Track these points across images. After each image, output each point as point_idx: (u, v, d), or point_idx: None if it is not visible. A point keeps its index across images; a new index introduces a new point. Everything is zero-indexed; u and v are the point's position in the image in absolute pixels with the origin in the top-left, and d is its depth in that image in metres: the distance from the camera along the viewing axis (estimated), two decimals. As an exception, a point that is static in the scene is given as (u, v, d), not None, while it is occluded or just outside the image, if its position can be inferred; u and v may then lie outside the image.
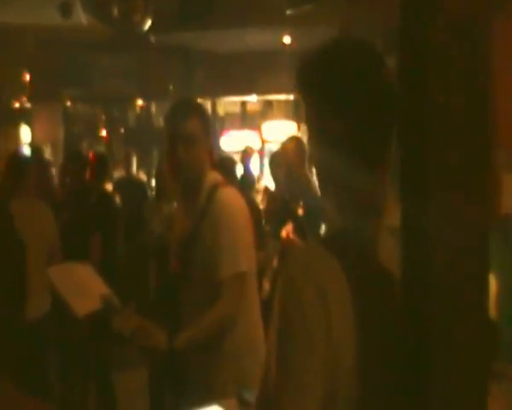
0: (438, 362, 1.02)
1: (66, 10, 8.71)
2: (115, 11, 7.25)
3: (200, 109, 3.16)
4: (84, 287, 3.40)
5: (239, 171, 7.83)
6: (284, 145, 4.92)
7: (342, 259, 1.34)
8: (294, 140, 4.90)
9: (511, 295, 3.61)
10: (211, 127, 3.20)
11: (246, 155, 9.32)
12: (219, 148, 12.30)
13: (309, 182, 4.14)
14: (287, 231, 3.85)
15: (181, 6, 7.97)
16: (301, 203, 4.21)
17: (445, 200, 1.01)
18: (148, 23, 7.49)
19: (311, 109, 1.46)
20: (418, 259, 1.06)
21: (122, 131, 14.39)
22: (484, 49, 1.01)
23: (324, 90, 1.42)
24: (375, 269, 1.37)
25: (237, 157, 9.00)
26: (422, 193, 1.04)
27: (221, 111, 14.81)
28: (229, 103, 14.56)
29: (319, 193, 1.50)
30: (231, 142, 12.98)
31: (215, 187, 3.00)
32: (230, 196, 3.05)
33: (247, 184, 7.28)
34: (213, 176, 3.07)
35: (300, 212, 4.19)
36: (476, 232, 1.02)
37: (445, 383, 1.01)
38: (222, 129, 13.82)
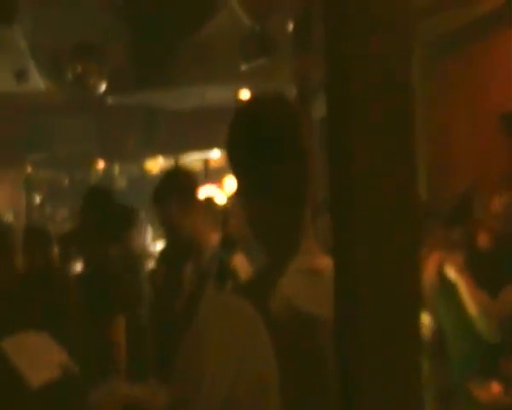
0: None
1: (22, 76, 8.69)
2: (70, 75, 7.25)
3: (180, 186, 3.19)
4: (41, 356, 3.30)
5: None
6: None
7: (259, 303, 1.39)
8: None
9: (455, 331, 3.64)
10: (195, 193, 3.21)
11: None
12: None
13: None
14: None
15: (136, 66, 8.00)
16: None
17: (374, 237, 0.98)
18: (104, 85, 7.50)
19: (236, 168, 1.60)
20: (347, 300, 1.03)
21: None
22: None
23: (241, 150, 1.57)
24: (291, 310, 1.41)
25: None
26: (351, 230, 1.01)
27: (184, 168, 14.82)
28: (191, 161, 14.59)
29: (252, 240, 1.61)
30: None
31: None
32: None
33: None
34: (214, 237, 3.11)
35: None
36: (407, 267, 1.00)
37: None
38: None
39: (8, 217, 11.01)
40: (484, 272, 3.58)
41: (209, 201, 9.17)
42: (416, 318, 1.01)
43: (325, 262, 1.48)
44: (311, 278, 1.46)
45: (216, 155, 13.98)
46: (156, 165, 15.06)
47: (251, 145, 1.54)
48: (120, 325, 3.32)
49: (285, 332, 1.38)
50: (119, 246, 6.40)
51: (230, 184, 13.20)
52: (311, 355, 1.39)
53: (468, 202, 3.79)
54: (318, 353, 1.37)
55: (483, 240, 3.73)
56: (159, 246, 9.59)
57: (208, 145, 13.11)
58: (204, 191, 13.13)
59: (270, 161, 1.52)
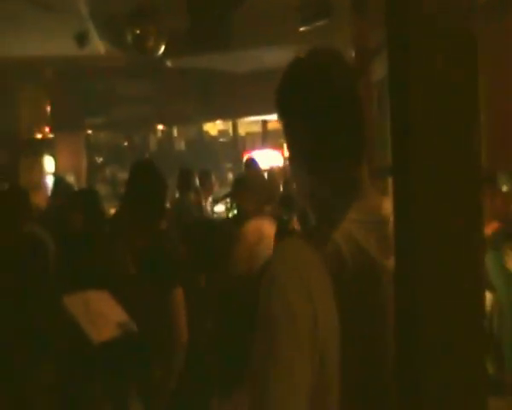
0: (428, 358, 0.98)
1: (82, 40, 8.79)
2: (129, 37, 7.30)
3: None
4: (101, 314, 3.38)
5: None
6: None
7: (322, 251, 1.37)
8: None
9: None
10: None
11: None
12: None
13: None
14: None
15: (193, 29, 8.00)
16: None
17: (436, 207, 0.98)
18: (162, 48, 7.53)
19: (287, 126, 1.59)
20: (408, 252, 1.03)
21: (147, 156, 14.47)
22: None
23: (293, 105, 1.56)
24: (356, 258, 1.38)
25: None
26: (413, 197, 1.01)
27: (242, 131, 14.84)
28: (249, 123, 14.58)
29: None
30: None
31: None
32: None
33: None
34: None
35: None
36: (468, 236, 1.00)
37: (436, 384, 0.97)
38: (243, 149, 13.85)
39: (70, 179, 11.20)
40: None
41: (249, 161, 9.15)
42: (478, 267, 1.00)
43: (385, 209, 1.45)
44: (370, 226, 1.44)
45: (274, 117, 13.94)
46: (214, 127, 15.12)
47: (303, 100, 1.51)
48: (179, 296, 3.31)
49: (351, 276, 1.37)
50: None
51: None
52: (375, 299, 1.38)
53: None
54: (382, 296, 1.35)
55: None
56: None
57: (266, 108, 13.08)
58: (261, 154, 13.18)
59: (325, 117, 1.48)
